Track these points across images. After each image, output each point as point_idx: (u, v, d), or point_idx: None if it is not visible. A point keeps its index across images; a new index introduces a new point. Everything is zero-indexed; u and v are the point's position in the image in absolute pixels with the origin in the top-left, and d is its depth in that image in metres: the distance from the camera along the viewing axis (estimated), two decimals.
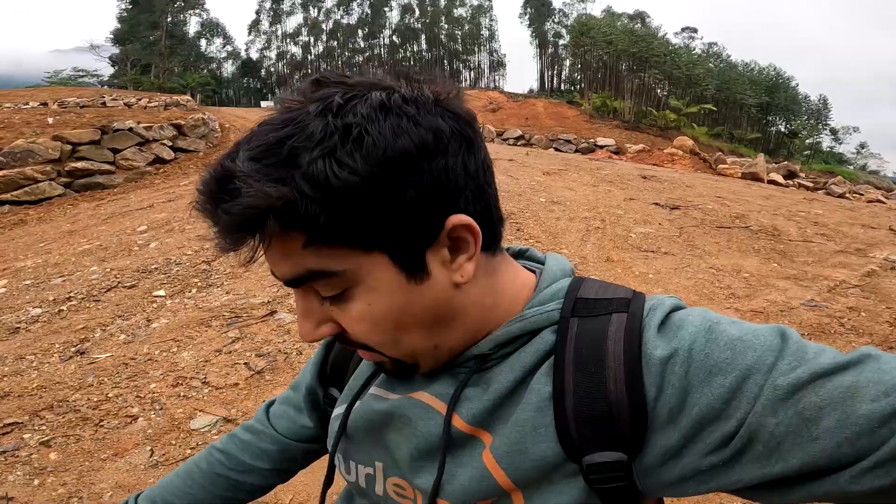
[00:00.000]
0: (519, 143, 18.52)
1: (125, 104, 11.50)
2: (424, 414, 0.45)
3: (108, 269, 4.13)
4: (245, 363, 2.70)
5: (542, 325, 0.43)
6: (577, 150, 18.14)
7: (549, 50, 45.49)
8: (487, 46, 51.08)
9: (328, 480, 0.55)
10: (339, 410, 0.53)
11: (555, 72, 45.04)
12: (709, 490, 0.37)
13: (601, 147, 18.65)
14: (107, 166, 8.13)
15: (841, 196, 11.92)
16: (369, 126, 0.35)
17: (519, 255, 0.52)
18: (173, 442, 2.11)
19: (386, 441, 0.48)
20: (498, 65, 52.17)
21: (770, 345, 0.36)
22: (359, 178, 0.34)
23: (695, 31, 43.37)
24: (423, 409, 0.45)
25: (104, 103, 11.45)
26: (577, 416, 0.39)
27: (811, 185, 13.48)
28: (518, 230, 5.10)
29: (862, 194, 12.59)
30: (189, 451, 2.05)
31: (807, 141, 28.53)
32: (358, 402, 0.51)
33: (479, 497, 0.42)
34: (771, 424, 0.33)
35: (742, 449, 0.35)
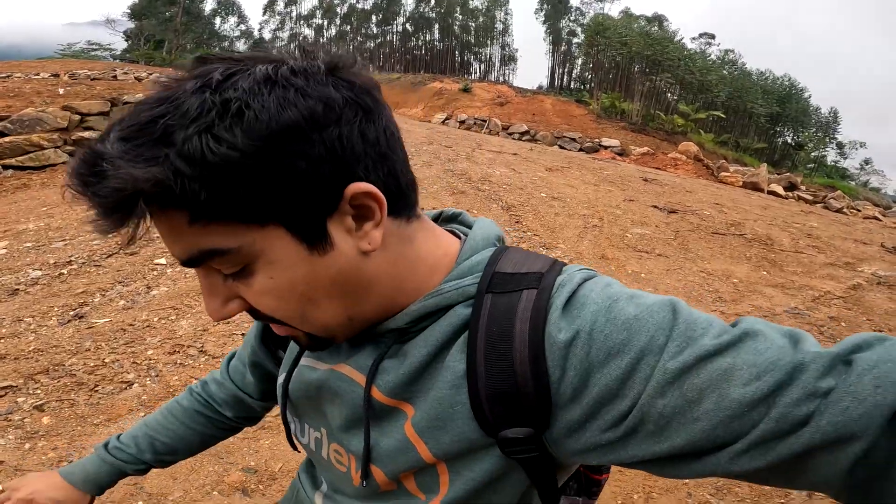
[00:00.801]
0: (524, 139, 18.49)
1: (136, 78, 11.65)
2: (348, 386, 0.46)
3: (110, 237, 4.20)
4: (242, 334, 2.77)
5: (457, 300, 0.43)
6: (581, 149, 18.12)
7: (563, 47, 45.15)
8: (500, 40, 50.70)
9: (289, 440, 0.58)
10: (280, 378, 0.55)
11: (566, 70, 44.76)
12: (611, 461, 0.40)
13: (606, 147, 18.65)
14: None
15: (838, 210, 11.97)
16: (251, 100, 0.34)
17: (451, 219, 0.52)
18: None
19: (323, 409, 0.50)
20: (509, 59, 51.81)
21: (661, 323, 0.37)
22: (238, 152, 0.33)
23: (712, 37, 42.94)
24: (345, 382, 0.46)
25: (115, 76, 11.60)
26: (489, 396, 0.40)
27: (811, 197, 13.53)
28: (517, 223, 5.16)
29: (859, 210, 12.64)
30: None
31: (812, 154, 28.51)
32: (295, 371, 0.52)
33: (405, 466, 0.44)
34: (659, 406, 0.35)
35: (634, 428, 0.37)
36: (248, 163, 0.34)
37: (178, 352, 2.57)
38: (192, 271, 2.43)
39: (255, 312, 0.42)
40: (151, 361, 2.48)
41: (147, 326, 2.80)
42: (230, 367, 0.70)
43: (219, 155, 0.33)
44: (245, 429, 2.30)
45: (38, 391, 2.23)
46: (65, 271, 3.51)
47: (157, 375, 2.38)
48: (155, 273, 3.53)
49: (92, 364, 2.44)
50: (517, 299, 0.41)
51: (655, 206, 6.80)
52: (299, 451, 0.60)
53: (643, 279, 4.11)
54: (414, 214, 0.44)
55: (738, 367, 0.34)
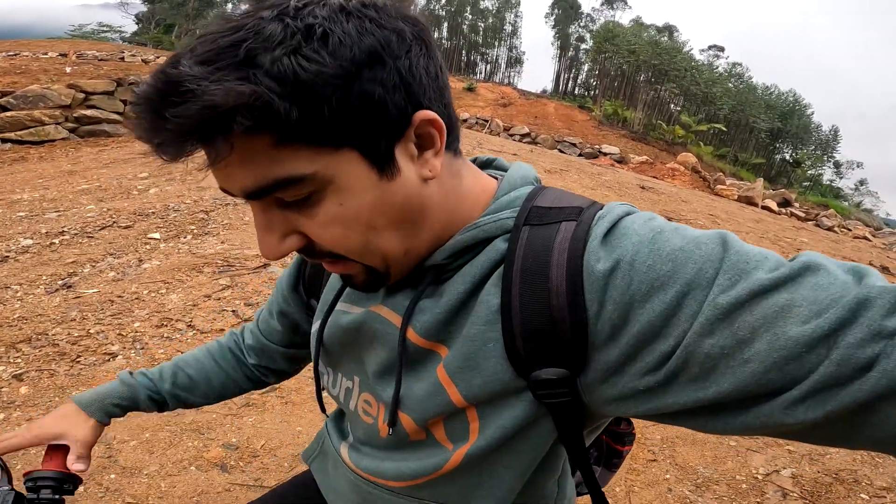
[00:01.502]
0: (524, 141, 18.53)
1: (143, 60, 11.71)
2: (384, 328, 0.45)
3: (105, 209, 4.17)
4: (233, 310, 2.76)
5: (495, 233, 0.42)
6: (580, 154, 18.18)
7: (570, 52, 45.26)
8: (508, 42, 50.73)
9: (318, 388, 0.58)
10: (315, 326, 0.54)
11: (571, 75, 44.86)
12: (648, 412, 0.36)
13: (605, 154, 18.71)
14: (115, 116, 8.36)
15: (829, 229, 12.10)
16: (333, 26, 0.34)
17: (486, 164, 0.52)
18: None
19: (360, 355, 0.49)
20: (516, 61, 51.86)
21: (711, 255, 0.34)
22: (329, 73, 0.33)
23: (721, 49, 43.04)
24: (382, 324, 0.45)
25: (122, 58, 11.64)
26: (524, 332, 0.38)
27: (803, 214, 13.66)
28: None
29: (850, 229, 12.80)
30: None
31: (808, 172, 28.73)
32: (331, 316, 0.51)
33: (435, 412, 0.43)
34: (707, 345, 0.32)
35: (677, 371, 0.34)
36: (336, 83, 0.34)
37: (166, 325, 2.56)
38: (185, 247, 2.41)
39: (310, 250, 0.41)
40: (137, 334, 2.46)
41: (136, 299, 2.79)
42: (259, 318, 0.70)
43: (311, 73, 0.33)
44: (229, 405, 2.25)
45: (19, 360, 2.19)
46: (56, 241, 3.48)
47: (142, 348, 2.36)
48: (148, 247, 3.51)
49: (76, 334, 2.41)
50: (555, 231, 0.39)
51: None
52: (325, 414, 0.61)
53: None
54: (460, 151, 0.45)
55: (797, 303, 0.31)
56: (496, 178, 0.48)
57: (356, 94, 0.35)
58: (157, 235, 3.70)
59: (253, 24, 0.33)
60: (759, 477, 2.01)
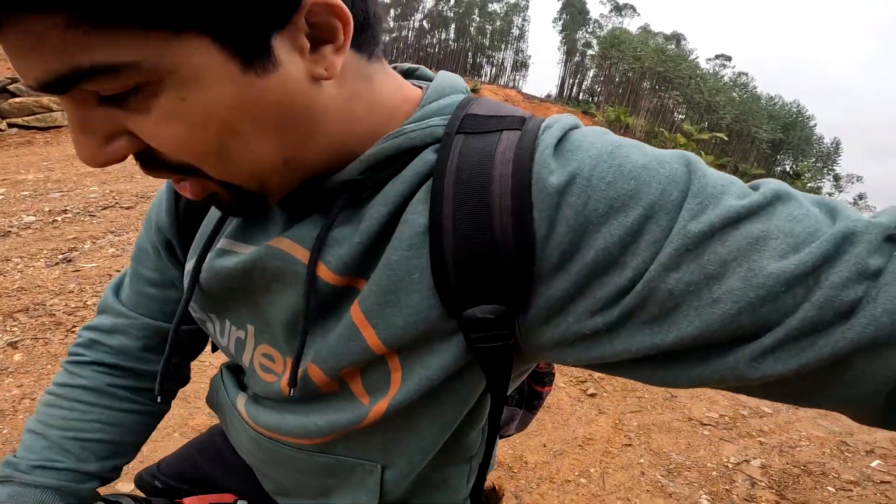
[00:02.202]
0: None
1: None
2: (288, 266, 0.36)
3: (108, 191, 4.25)
4: None
5: (423, 141, 0.35)
6: None
7: (576, 58, 45.36)
8: (514, 45, 50.82)
9: (173, 338, 0.44)
10: (189, 265, 0.44)
11: (576, 80, 44.95)
12: (592, 360, 0.31)
13: None
14: None
15: None
16: None
17: (408, 73, 0.44)
18: None
19: (255, 300, 0.40)
20: (521, 65, 51.95)
21: (675, 175, 0.29)
22: None
23: (728, 58, 42.90)
24: (285, 261, 0.36)
25: None
26: (457, 258, 0.32)
27: None
28: None
29: None
30: None
31: (808, 184, 28.79)
32: (210, 254, 0.42)
33: (349, 360, 0.36)
34: (671, 280, 0.27)
35: (632, 310, 0.29)
36: None
37: None
38: None
39: (148, 157, 0.31)
40: None
41: None
42: (124, 298, 0.52)
43: None
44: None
45: (15, 328, 2.24)
46: (59, 219, 3.55)
47: None
48: None
49: (73, 305, 2.47)
50: (496, 139, 0.33)
51: None
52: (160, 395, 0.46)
53: None
54: (377, 53, 0.37)
55: (773, 235, 0.26)
56: (421, 88, 0.40)
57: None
58: None
59: None
60: (730, 465, 2.07)
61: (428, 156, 0.35)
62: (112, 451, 0.50)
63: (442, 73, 0.41)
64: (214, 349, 0.52)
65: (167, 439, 1.79)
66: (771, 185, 0.29)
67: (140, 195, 4.23)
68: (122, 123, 0.30)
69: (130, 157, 0.32)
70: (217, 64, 0.28)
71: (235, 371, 0.50)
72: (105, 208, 3.83)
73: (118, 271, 2.85)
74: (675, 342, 0.28)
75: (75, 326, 2.32)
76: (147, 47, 0.26)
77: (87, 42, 0.25)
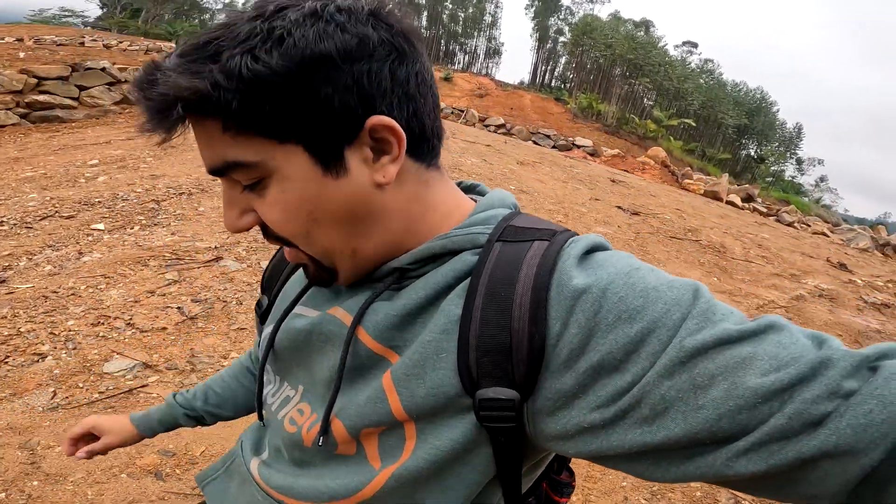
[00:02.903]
0: (499, 132, 18.49)
1: (104, 45, 11.37)
2: (337, 330, 0.44)
3: (48, 198, 3.92)
4: (178, 307, 2.63)
5: (465, 245, 0.42)
6: (554, 146, 18.28)
7: (548, 45, 45.31)
8: (487, 32, 50.38)
9: (259, 394, 0.55)
10: (267, 330, 0.53)
11: (548, 67, 44.98)
12: (591, 453, 0.35)
13: (579, 147, 18.88)
14: (69, 101, 8.14)
15: (790, 224, 12.52)
16: (294, 29, 0.37)
17: (469, 189, 0.53)
18: (80, 385, 2.01)
19: (310, 362, 0.47)
20: (494, 52, 51.62)
21: (680, 299, 0.34)
22: (271, 72, 0.36)
23: (695, 45, 43.86)
24: (335, 325, 0.45)
25: (82, 43, 11.33)
26: (479, 345, 0.37)
27: (765, 210, 14.11)
28: None
29: (809, 225, 13.26)
30: (97, 395, 1.96)
31: (772, 168, 29.73)
32: (285, 321, 0.50)
33: (372, 421, 0.41)
34: (664, 387, 0.32)
35: (627, 409, 0.33)
36: (277, 81, 0.36)
37: (103, 323, 2.41)
38: (131, 238, 2.28)
39: (265, 230, 0.43)
40: (70, 333, 2.32)
41: (72, 294, 2.62)
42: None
43: (252, 71, 0.36)
44: None
45: None
46: None
47: (74, 348, 2.22)
48: (90, 238, 3.32)
49: (6, 333, 2.25)
50: (527, 247, 0.40)
51: (620, 207, 6.91)
52: (262, 423, 0.58)
53: None
54: (435, 163, 0.45)
55: (759, 356, 0.31)
56: (475, 201, 0.49)
57: (301, 93, 0.37)
58: (101, 226, 3.51)
59: (233, 23, 0.38)
60: (713, 485, 2.04)
61: (468, 257, 0.42)
62: (218, 402, 0.72)
63: (496, 189, 0.50)
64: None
65: (113, 480, 1.64)
66: (768, 317, 0.34)
67: (82, 201, 3.92)
68: (251, 204, 0.42)
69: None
70: (306, 167, 0.39)
71: (254, 435, 0.58)
72: (43, 218, 3.53)
73: (55, 292, 2.62)
74: (663, 440, 0.32)
75: (8, 357, 2.10)
76: (264, 152, 0.39)
77: (233, 143, 0.38)
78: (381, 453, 0.42)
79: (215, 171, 0.41)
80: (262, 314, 0.60)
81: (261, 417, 0.57)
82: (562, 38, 42.99)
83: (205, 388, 0.73)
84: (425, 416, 0.40)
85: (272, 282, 0.60)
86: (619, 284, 0.35)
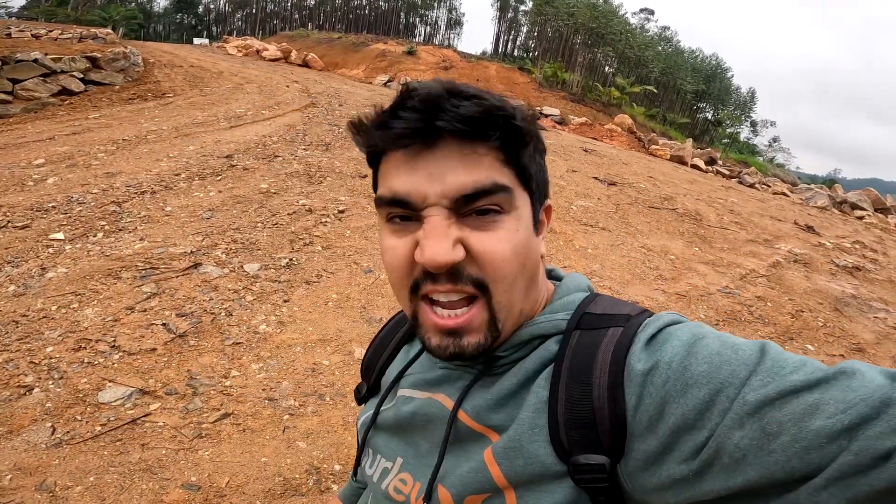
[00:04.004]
0: None
1: (33, 35, 10.49)
2: (439, 412, 0.50)
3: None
4: (163, 324, 2.45)
5: (549, 332, 0.48)
6: None
7: (509, 14, 44.47)
8: (447, 3, 48.91)
9: (355, 471, 0.64)
10: (364, 416, 0.59)
11: (510, 37, 44.29)
12: (687, 500, 0.38)
13: (546, 116, 18.82)
14: (3, 96, 7.48)
15: (752, 186, 12.98)
16: (534, 124, 0.47)
17: (546, 273, 0.57)
18: (79, 417, 1.85)
19: (411, 438, 0.53)
20: (455, 23, 50.33)
21: (746, 360, 0.37)
22: (532, 129, 0.46)
23: (652, 13, 44.12)
24: (437, 408, 0.51)
25: (9, 34, 10.36)
26: (567, 421, 0.42)
27: (727, 172, 14.56)
28: None
29: (769, 186, 13.79)
30: (99, 428, 1.81)
31: (728, 130, 30.66)
32: (390, 402, 0.56)
33: (474, 490, 0.45)
34: (736, 437, 0.35)
35: (710, 460, 0.36)
36: (531, 138, 0.46)
37: (85, 348, 2.21)
38: (96, 248, 2.09)
39: (457, 271, 0.44)
40: (52, 361, 2.11)
41: (44, 317, 2.39)
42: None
43: (527, 120, 0.45)
44: (179, 439, 2.03)
45: None
46: None
47: (60, 378, 2.03)
48: (50, 251, 3.03)
49: None
50: (603, 335, 0.45)
51: (596, 178, 6.94)
52: (355, 481, 0.68)
53: (590, 255, 4.17)
54: None
55: (825, 402, 0.33)
56: (554, 285, 0.54)
57: (535, 157, 0.47)
58: (60, 235, 3.20)
59: (493, 96, 0.45)
60: None
61: (551, 346, 0.48)
62: None
63: (571, 274, 0.55)
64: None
65: None
66: (845, 364, 0.36)
67: (34, 207, 3.57)
68: (463, 237, 0.44)
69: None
70: (527, 215, 0.47)
71: None
72: None
73: (24, 316, 2.37)
74: (744, 483, 0.35)
75: None
76: (517, 188, 0.45)
77: (500, 170, 0.44)
78: None
79: (475, 194, 0.43)
80: (361, 399, 0.64)
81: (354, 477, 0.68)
82: (522, 7, 42.26)
83: None
84: (524, 483, 0.43)
85: (370, 370, 0.64)
86: (682, 355, 0.39)
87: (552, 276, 0.57)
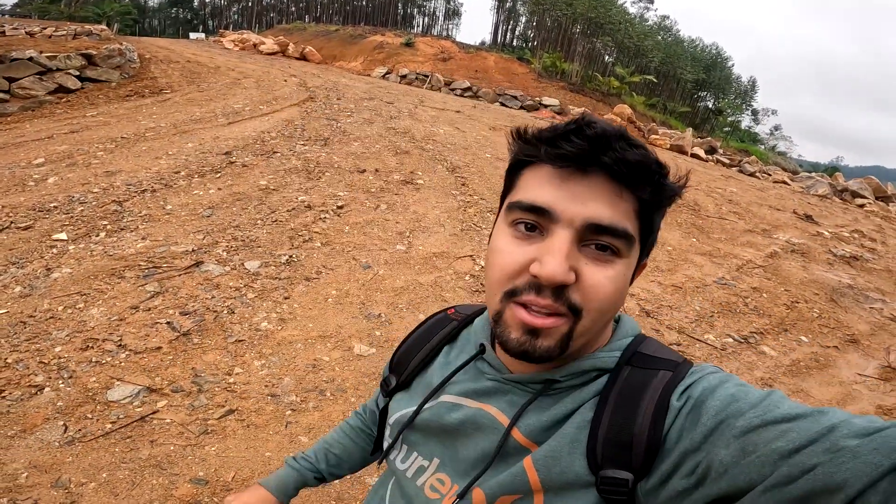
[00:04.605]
0: (466, 95, 18.08)
1: (27, 33, 10.32)
2: (490, 424, 0.54)
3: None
4: (167, 322, 2.50)
5: (607, 367, 0.53)
6: (522, 107, 18.06)
7: (508, 4, 43.98)
8: None
9: (379, 462, 0.66)
10: (404, 411, 0.62)
11: (509, 27, 43.85)
12: None
13: (546, 106, 18.73)
14: (1, 94, 7.44)
15: (752, 175, 12.95)
16: (667, 176, 0.51)
17: None
18: (89, 415, 1.90)
19: (454, 442, 0.57)
20: (453, 13, 49.82)
21: (753, 400, 0.44)
22: (675, 191, 0.50)
23: (651, 1, 43.78)
24: (489, 420, 0.54)
25: (3, 32, 10.23)
26: (605, 440, 0.48)
27: (728, 161, 14.52)
28: (463, 185, 5.05)
29: (770, 174, 13.75)
30: (109, 426, 1.86)
31: (729, 119, 30.47)
32: (432, 403, 0.60)
33: (509, 491, 0.50)
34: (722, 454, 0.42)
35: (704, 474, 0.43)
36: (669, 199, 0.51)
37: (92, 347, 2.26)
38: (98, 247, 2.16)
39: (562, 289, 0.48)
40: (61, 360, 2.16)
41: (51, 318, 2.44)
42: (366, 404, 0.84)
43: (670, 190, 0.49)
44: (186, 435, 2.08)
45: None
46: None
47: (70, 377, 2.08)
48: (54, 251, 3.07)
49: None
50: (654, 374, 0.51)
51: None
52: (378, 467, 0.73)
53: None
54: None
55: (793, 430, 0.39)
56: (612, 327, 0.60)
57: (658, 216, 0.52)
58: (63, 236, 3.24)
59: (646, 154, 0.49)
60: None
61: (604, 378, 0.53)
62: (337, 462, 0.82)
63: (624, 318, 0.59)
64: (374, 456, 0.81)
65: None
66: (826, 408, 0.42)
67: (36, 207, 3.61)
68: (579, 266, 0.48)
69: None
70: (633, 266, 0.51)
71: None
72: None
73: (32, 316, 2.42)
74: (718, 491, 0.42)
75: (4, 391, 1.96)
76: (637, 239, 0.50)
77: (632, 220, 0.49)
78: None
79: (608, 230, 0.47)
80: (390, 392, 0.68)
81: (378, 463, 0.69)
82: None
83: (324, 450, 0.82)
84: (554, 488, 0.49)
85: (402, 366, 0.67)
86: (706, 395, 0.46)
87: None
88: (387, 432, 0.66)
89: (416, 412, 0.60)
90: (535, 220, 0.48)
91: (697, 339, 3.15)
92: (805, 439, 0.38)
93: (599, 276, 0.47)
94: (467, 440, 0.56)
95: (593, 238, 0.47)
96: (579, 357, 0.53)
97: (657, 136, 15.13)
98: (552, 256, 0.46)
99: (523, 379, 0.54)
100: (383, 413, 0.69)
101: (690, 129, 17.42)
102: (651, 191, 0.47)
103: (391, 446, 0.63)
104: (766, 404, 0.42)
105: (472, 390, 0.57)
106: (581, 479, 0.48)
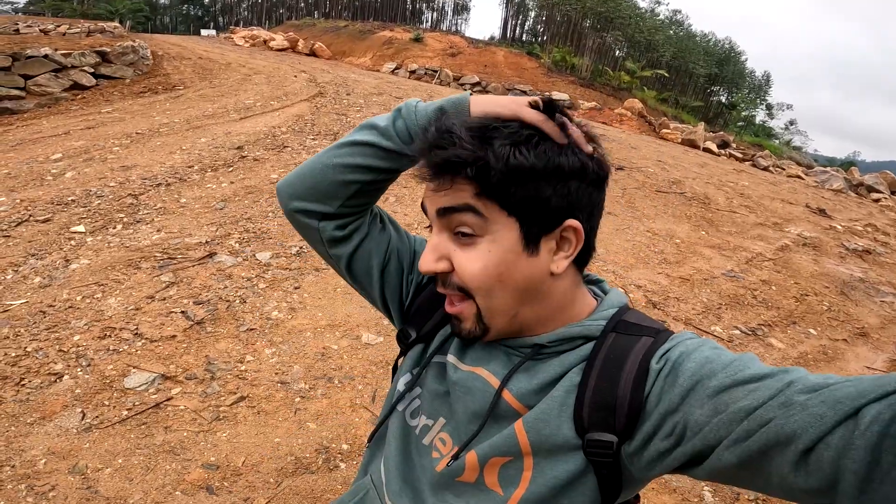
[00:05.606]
0: (475, 90, 18.06)
1: (41, 31, 10.56)
2: (482, 386, 0.57)
3: (18, 200, 3.69)
4: (182, 312, 2.56)
5: (593, 334, 0.56)
6: None
7: None
8: None
9: (383, 417, 0.67)
10: (407, 377, 0.66)
11: (518, 21, 43.53)
12: (671, 466, 0.48)
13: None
14: (17, 92, 7.61)
15: (765, 169, 12.76)
16: (543, 143, 0.52)
17: (594, 282, 0.65)
18: (106, 402, 1.97)
19: (451, 402, 0.60)
20: (462, 8, 49.61)
21: (725, 362, 0.47)
22: (527, 165, 0.50)
23: None
24: (480, 382, 0.57)
25: (17, 30, 10.42)
26: (591, 404, 0.51)
27: (741, 155, 14.32)
28: None
29: (784, 168, 13.53)
30: (125, 412, 1.93)
31: (743, 114, 30.02)
32: (438, 365, 0.63)
33: (500, 453, 0.54)
34: (697, 414, 0.45)
35: (682, 433, 0.47)
36: (527, 174, 0.50)
37: (110, 336, 2.33)
38: (115, 239, 2.22)
39: (446, 279, 0.54)
40: (80, 349, 2.24)
41: (70, 307, 2.52)
42: (385, 215, 0.73)
43: (517, 161, 0.50)
44: (199, 421, 2.13)
45: None
46: None
47: (88, 365, 2.15)
48: (73, 243, 3.16)
49: (13, 354, 2.16)
50: (636, 341, 0.53)
51: None
52: (368, 442, 0.70)
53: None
54: (583, 271, 0.60)
55: (759, 389, 0.43)
56: (597, 297, 0.62)
57: (535, 187, 0.51)
58: (81, 228, 3.33)
59: (506, 124, 0.52)
60: None
61: (590, 345, 0.56)
62: None
63: (613, 290, 0.63)
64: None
65: (170, 499, 1.63)
66: (789, 367, 0.45)
67: (55, 201, 3.70)
68: (450, 254, 0.54)
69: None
70: (513, 240, 0.52)
71: (373, 468, 0.68)
72: (19, 224, 3.33)
73: (51, 306, 2.50)
74: (692, 449, 0.46)
75: (24, 379, 2.03)
76: (493, 215, 0.52)
77: (475, 199, 0.52)
78: (501, 481, 0.54)
79: (447, 210, 0.52)
80: (408, 344, 0.68)
81: (370, 441, 0.69)
82: None
83: None
84: (543, 451, 0.52)
85: (421, 317, 0.68)
86: (683, 358, 0.49)
87: (601, 287, 0.64)
88: (399, 383, 0.68)
89: (420, 373, 0.64)
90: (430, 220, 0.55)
91: (704, 331, 3.15)
92: (765, 397, 0.42)
93: (462, 258, 0.53)
94: (462, 402, 0.59)
95: (451, 223, 0.53)
96: (565, 325, 0.57)
97: (668, 131, 14.97)
98: (424, 252, 0.54)
99: (513, 344, 0.58)
100: (395, 369, 0.72)
101: (703, 123, 17.20)
102: (476, 176, 0.50)
103: (397, 400, 0.66)
104: (737, 365, 0.45)
105: (466, 354, 0.61)
106: (569, 442, 0.51)
